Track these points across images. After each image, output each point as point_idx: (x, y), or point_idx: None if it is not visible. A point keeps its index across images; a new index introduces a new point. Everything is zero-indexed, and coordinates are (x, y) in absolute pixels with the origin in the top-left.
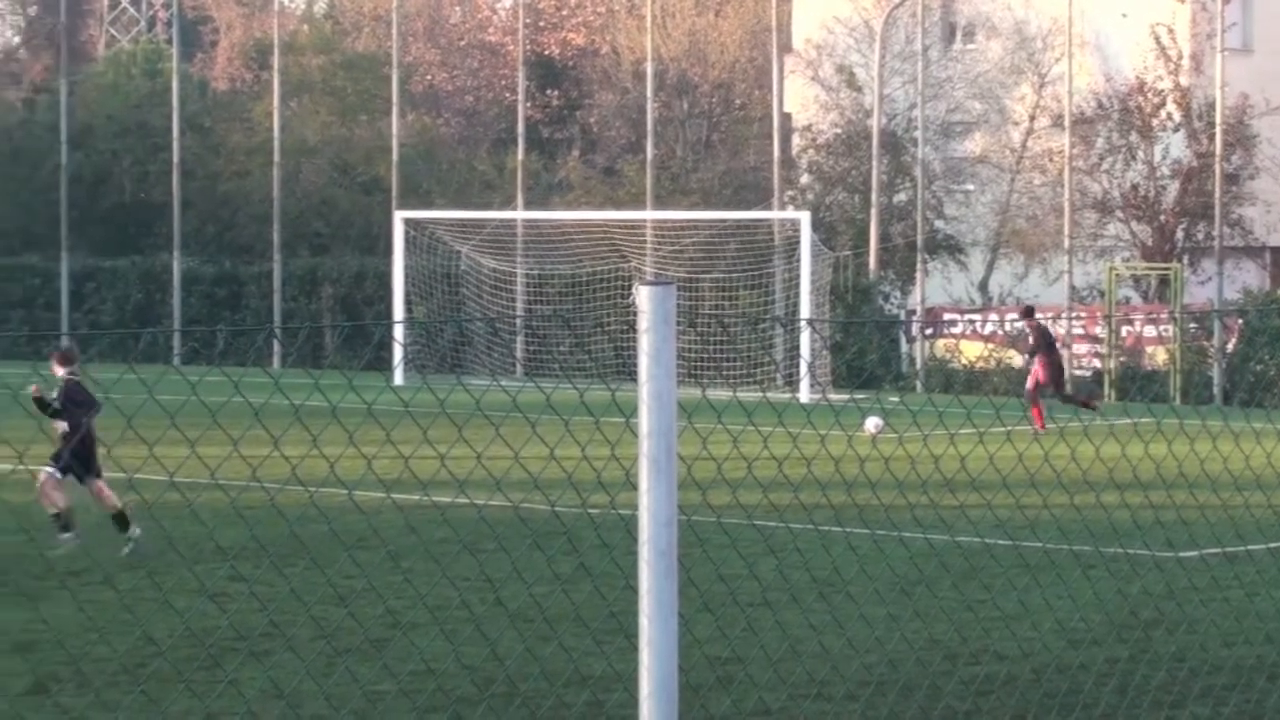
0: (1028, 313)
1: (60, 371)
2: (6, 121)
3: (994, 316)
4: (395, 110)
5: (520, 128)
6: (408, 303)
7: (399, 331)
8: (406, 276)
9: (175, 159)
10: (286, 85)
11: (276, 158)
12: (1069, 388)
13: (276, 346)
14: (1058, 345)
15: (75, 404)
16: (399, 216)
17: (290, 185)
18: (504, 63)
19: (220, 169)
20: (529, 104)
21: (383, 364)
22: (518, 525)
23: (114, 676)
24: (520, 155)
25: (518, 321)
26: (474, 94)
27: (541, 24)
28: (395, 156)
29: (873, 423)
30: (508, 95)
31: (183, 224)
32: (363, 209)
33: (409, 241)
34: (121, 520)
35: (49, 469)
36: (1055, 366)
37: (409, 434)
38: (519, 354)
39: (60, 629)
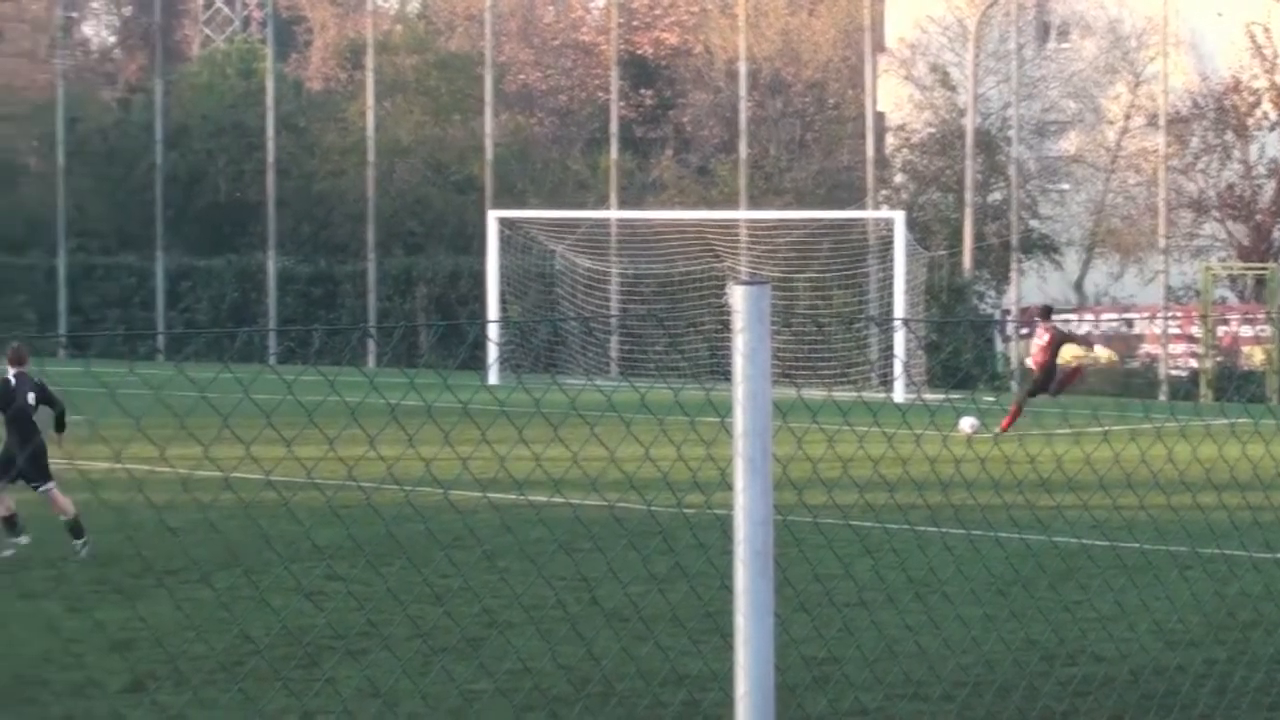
0: (1045, 313)
1: (11, 372)
2: (102, 121)
3: (1090, 316)
4: (489, 110)
5: (614, 127)
6: (502, 302)
7: (494, 331)
8: (501, 276)
9: (270, 159)
10: (380, 85)
11: (371, 157)
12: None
13: (371, 346)
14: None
15: (8, 403)
16: (493, 216)
17: (384, 185)
18: (597, 62)
19: (315, 169)
20: (622, 103)
21: (477, 363)
22: (613, 525)
23: (211, 674)
24: (614, 155)
25: (612, 321)
26: (567, 93)
27: (635, 23)
28: (489, 156)
29: (968, 422)
30: (601, 95)
31: (278, 223)
32: (457, 208)
33: (503, 241)
34: (76, 528)
35: None
36: (1051, 371)
37: (504, 433)
38: (614, 354)
39: (158, 627)
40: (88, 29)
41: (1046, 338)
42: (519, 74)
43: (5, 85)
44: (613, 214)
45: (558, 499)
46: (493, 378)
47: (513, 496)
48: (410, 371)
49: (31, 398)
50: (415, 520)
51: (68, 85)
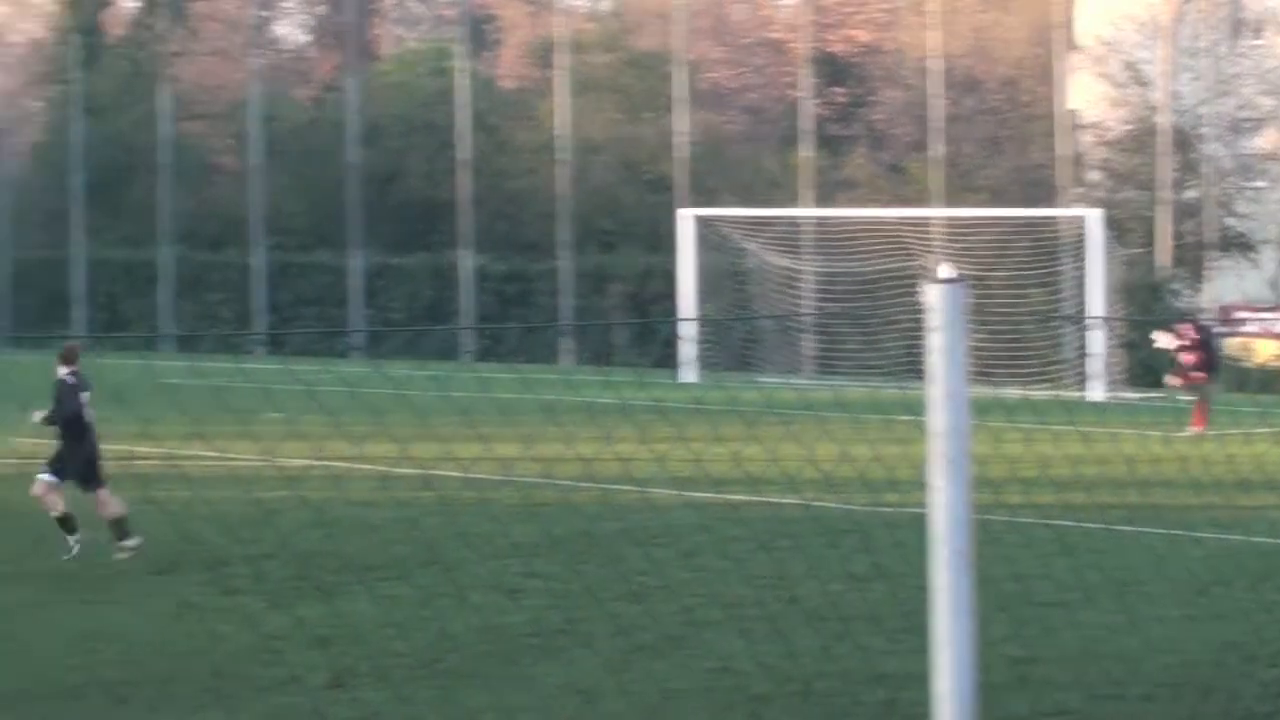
0: (1183, 319)
1: (62, 370)
2: (297, 120)
3: None
4: (680, 108)
5: (805, 125)
6: (699, 300)
7: (689, 329)
8: (694, 274)
9: (462, 157)
10: (572, 83)
11: (564, 156)
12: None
13: (566, 344)
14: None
15: (66, 404)
16: (686, 214)
17: (577, 183)
18: (788, 60)
19: (507, 167)
20: (814, 101)
21: (670, 361)
22: (811, 523)
23: (411, 671)
24: (806, 153)
25: (807, 319)
26: (758, 91)
27: (825, 21)
28: (684, 154)
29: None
30: (792, 92)
31: (471, 221)
32: (649, 207)
33: (696, 239)
34: (119, 528)
35: (47, 476)
36: (1214, 361)
37: (699, 431)
38: (809, 352)
39: (358, 624)
40: (281, 28)
41: (1190, 340)
42: (710, 72)
43: (200, 84)
44: (805, 211)
45: (755, 497)
46: (688, 376)
47: (710, 495)
48: (605, 370)
49: (86, 396)
50: (612, 518)
51: (262, 84)
